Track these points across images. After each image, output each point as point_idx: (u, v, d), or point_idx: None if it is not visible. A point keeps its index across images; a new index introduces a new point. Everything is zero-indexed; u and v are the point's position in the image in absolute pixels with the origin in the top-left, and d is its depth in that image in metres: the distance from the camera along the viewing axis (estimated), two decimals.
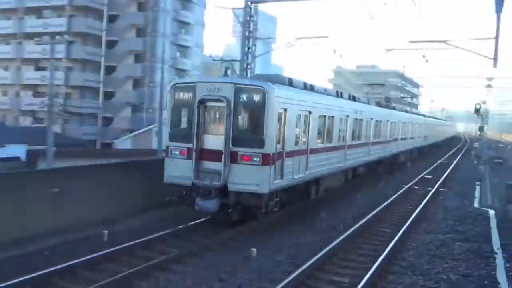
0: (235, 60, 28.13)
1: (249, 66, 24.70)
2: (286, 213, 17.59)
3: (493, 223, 17.83)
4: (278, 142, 14.95)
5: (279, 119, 14.98)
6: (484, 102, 54.20)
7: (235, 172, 14.44)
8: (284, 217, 17.24)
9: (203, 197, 14.58)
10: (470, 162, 48.21)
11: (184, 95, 15.38)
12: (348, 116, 21.68)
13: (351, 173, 23.70)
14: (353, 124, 22.59)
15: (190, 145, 14.94)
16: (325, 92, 20.09)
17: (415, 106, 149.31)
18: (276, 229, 15.67)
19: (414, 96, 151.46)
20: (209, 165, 14.77)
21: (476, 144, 55.54)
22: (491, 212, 20.21)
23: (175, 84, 15.68)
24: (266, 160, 14.45)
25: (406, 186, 26.45)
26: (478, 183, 30.60)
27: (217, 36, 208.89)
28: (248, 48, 24.78)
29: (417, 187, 27.28)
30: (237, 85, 14.71)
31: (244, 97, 14.63)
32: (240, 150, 14.47)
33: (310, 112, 17.11)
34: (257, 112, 14.53)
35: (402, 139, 36.83)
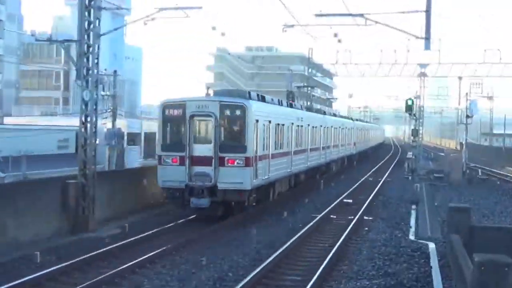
0: (69, 41, 27.43)
1: (90, 49, 24.20)
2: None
3: (433, 261, 18.62)
4: (254, 148, 25.27)
5: (254, 128, 25.31)
6: (417, 97, 56.95)
7: (223, 174, 24.67)
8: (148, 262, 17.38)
9: (196, 196, 24.72)
10: (402, 178, 50.73)
11: (174, 112, 25.48)
12: (292, 123, 32.91)
13: (294, 179, 35.06)
14: (297, 131, 33.90)
15: (182, 154, 25.08)
16: (272, 101, 31.04)
17: (329, 103, 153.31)
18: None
19: (327, 89, 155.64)
20: (200, 169, 24.93)
21: (409, 154, 58.69)
22: (431, 245, 21.26)
23: (165, 102, 25.81)
24: (248, 162, 24.87)
25: (320, 215, 27.24)
26: (413, 207, 32.15)
27: (43, 4, 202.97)
28: (89, 23, 24.29)
29: (333, 216, 28.14)
30: (222, 102, 25.19)
31: (228, 112, 25.05)
32: (227, 155, 24.71)
33: (270, 122, 27.82)
34: (239, 124, 25.06)
35: (334, 146, 48.34)
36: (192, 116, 25.06)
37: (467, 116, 56.19)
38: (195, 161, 24.97)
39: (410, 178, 49.93)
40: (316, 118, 41.66)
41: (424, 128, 60.48)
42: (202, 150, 24.90)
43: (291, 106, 36.07)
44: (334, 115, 57.53)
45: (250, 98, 27.14)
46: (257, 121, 25.74)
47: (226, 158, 24.67)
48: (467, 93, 61.00)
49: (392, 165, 66.09)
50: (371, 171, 55.89)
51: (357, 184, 42.53)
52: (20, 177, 33.75)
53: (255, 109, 25.93)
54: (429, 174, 51.56)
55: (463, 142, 61.51)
